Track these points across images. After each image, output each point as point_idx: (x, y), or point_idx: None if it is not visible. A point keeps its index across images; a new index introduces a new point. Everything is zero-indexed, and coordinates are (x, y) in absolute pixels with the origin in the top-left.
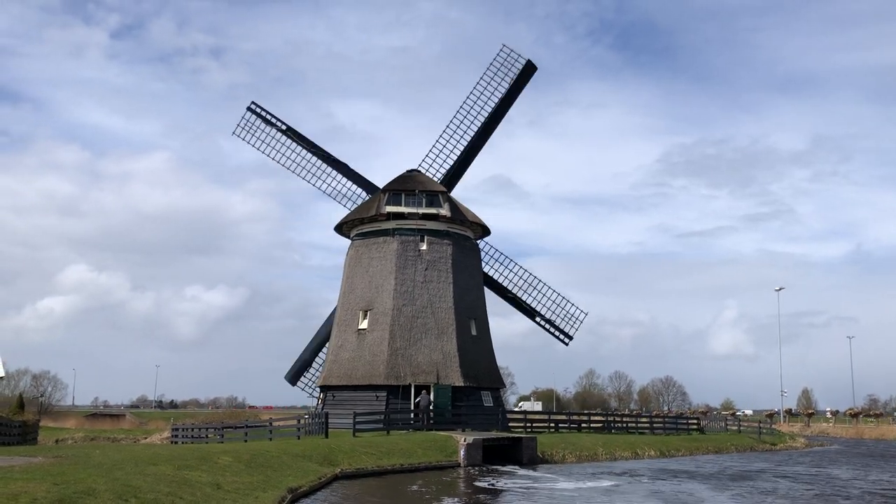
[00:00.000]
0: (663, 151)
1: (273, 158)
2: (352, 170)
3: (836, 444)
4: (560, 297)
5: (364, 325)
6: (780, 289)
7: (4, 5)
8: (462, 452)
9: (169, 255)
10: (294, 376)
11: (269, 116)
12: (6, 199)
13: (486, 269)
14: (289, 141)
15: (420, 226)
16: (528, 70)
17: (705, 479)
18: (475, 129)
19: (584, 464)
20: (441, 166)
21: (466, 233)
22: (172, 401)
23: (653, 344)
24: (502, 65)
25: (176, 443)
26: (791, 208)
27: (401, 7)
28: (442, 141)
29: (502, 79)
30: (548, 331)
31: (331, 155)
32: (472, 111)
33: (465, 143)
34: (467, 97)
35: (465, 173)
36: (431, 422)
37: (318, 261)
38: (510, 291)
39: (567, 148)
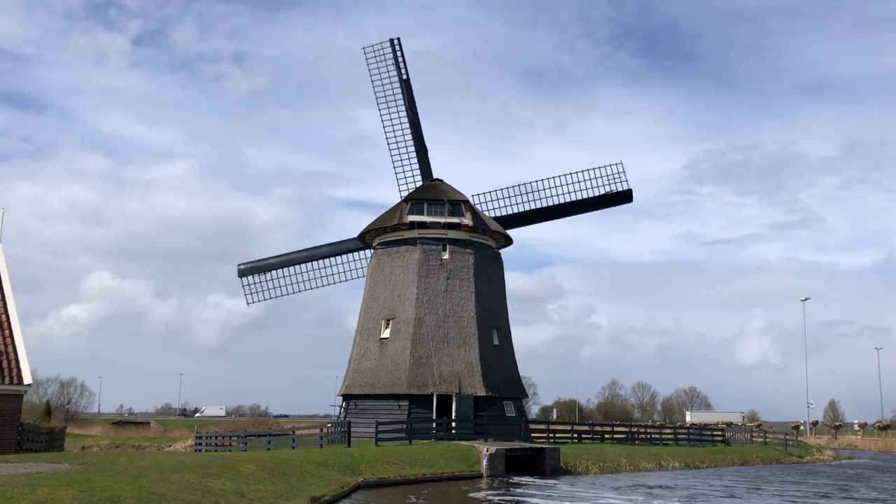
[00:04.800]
0: (690, 158)
1: (284, 295)
2: (341, 242)
3: (864, 457)
4: (585, 172)
5: (386, 333)
6: (805, 299)
7: (30, 12)
8: (484, 462)
9: (192, 262)
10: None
11: (259, 265)
12: (31, 207)
13: (515, 210)
14: (287, 270)
15: (442, 235)
16: (396, 44)
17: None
18: (406, 122)
19: (607, 475)
20: (412, 169)
21: (488, 242)
22: (196, 408)
23: (678, 353)
24: (377, 60)
25: (200, 451)
26: (820, 216)
27: (423, 12)
28: (393, 149)
29: (386, 70)
30: (608, 205)
31: (322, 247)
32: (391, 110)
33: (410, 139)
34: (378, 104)
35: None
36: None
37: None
38: (549, 208)
39: (591, 154)
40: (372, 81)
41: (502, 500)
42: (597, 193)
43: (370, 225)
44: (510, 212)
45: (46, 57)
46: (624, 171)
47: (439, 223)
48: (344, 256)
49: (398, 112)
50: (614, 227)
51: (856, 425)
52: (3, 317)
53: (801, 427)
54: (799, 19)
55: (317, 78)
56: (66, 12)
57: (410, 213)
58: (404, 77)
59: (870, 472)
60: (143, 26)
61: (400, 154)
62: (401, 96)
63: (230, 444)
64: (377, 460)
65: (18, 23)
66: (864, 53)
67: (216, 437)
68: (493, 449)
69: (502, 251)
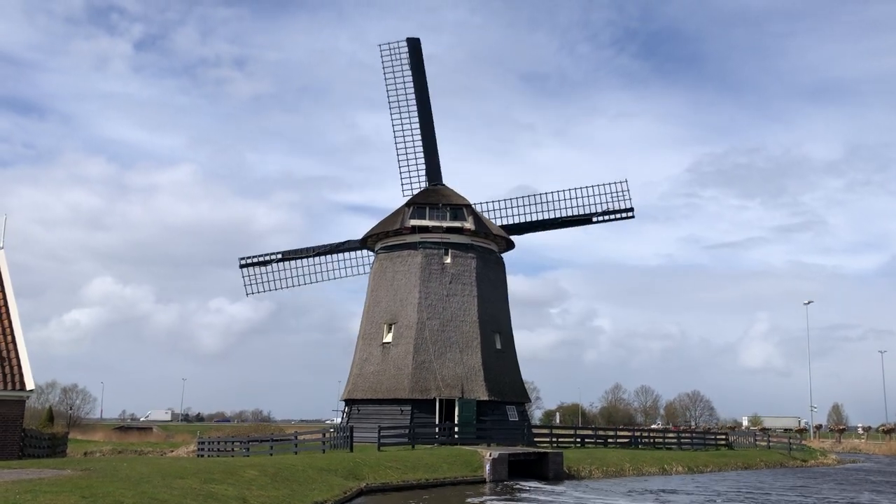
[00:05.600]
0: (692, 161)
1: (284, 288)
2: (342, 243)
3: (868, 461)
4: (590, 188)
5: (388, 338)
6: (808, 302)
7: (31, 17)
8: (487, 467)
9: (195, 267)
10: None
11: (261, 258)
12: (34, 213)
13: (519, 219)
14: (287, 263)
15: (444, 239)
16: (415, 45)
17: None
18: (416, 121)
19: (610, 479)
20: (419, 168)
21: (490, 246)
22: (199, 414)
23: (682, 357)
24: (392, 59)
25: (202, 456)
26: (823, 219)
27: (425, 15)
28: (401, 147)
29: (400, 69)
30: (610, 220)
31: (323, 246)
32: (403, 108)
33: (419, 137)
34: (390, 109)
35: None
36: (456, 436)
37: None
38: (553, 218)
39: (594, 158)
40: (385, 80)
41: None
42: (600, 209)
43: (372, 229)
44: (513, 221)
45: (48, 62)
46: (628, 190)
47: (441, 227)
48: (344, 254)
49: (409, 112)
50: (617, 231)
51: (860, 429)
52: (6, 322)
53: (805, 430)
54: (801, 21)
55: (319, 82)
56: (67, 17)
57: (412, 217)
58: (420, 78)
59: (877, 476)
60: (144, 31)
61: (407, 155)
62: (413, 96)
63: (232, 450)
64: (380, 465)
65: (20, 28)
66: (866, 55)
67: (218, 443)
68: (496, 454)
69: (504, 255)
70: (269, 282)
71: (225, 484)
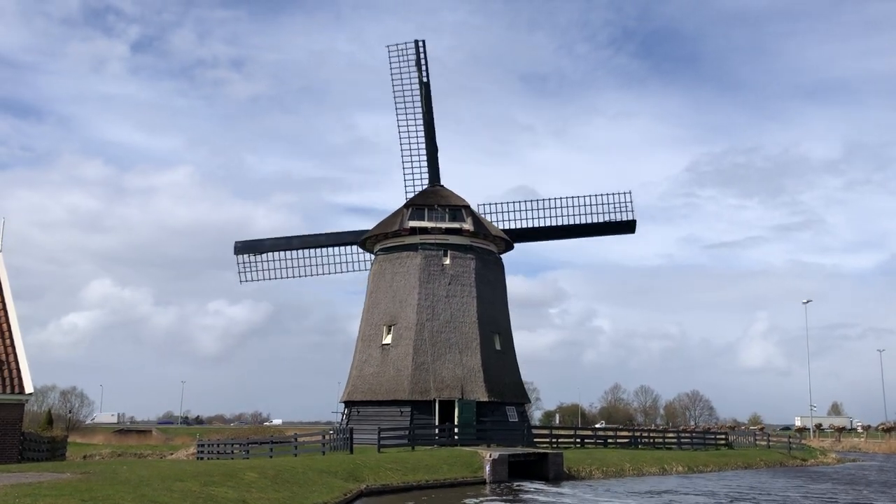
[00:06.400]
0: (691, 161)
1: (282, 278)
2: (340, 234)
3: (868, 459)
4: (593, 197)
5: (388, 340)
6: (807, 301)
7: (28, 19)
8: (487, 468)
9: (193, 269)
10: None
11: (255, 244)
12: (32, 215)
13: (517, 225)
14: (283, 253)
15: (443, 240)
16: (421, 47)
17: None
18: (421, 123)
19: (611, 480)
20: (421, 172)
21: (489, 247)
22: (198, 416)
23: (682, 357)
24: (400, 60)
25: (202, 459)
26: (822, 218)
27: (424, 16)
28: (405, 151)
29: (408, 71)
30: (611, 233)
31: (323, 235)
32: (407, 110)
33: (424, 141)
34: (396, 110)
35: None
36: (456, 437)
37: (341, 275)
38: (556, 227)
39: (593, 158)
40: (392, 81)
41: None
42: (602, 220)
43: (371, 231)
44: (512, 226)
45: (45, 64)
46: (631, 202)
47: (440, 228)
48: (341, 248)
49: (414, 113)
50: None
51: (859, 428)
52: (4, 325)
53: (805, 430)
54: (799, 20)
55: (317, 83)
56: (64, 19)
57: (411, 218)
58: (425, 79)
59: (876, 474)
60: (141, 32)
61: (411, 155)
62: (419, 98)
63: (232, 452)
64: (380, 467)
65: (17, 30)
66: (865, 54)
67: (218, 445)
68: (495, 454)
69: (504, 256)
70: (263, 271)
71: (225, 486)
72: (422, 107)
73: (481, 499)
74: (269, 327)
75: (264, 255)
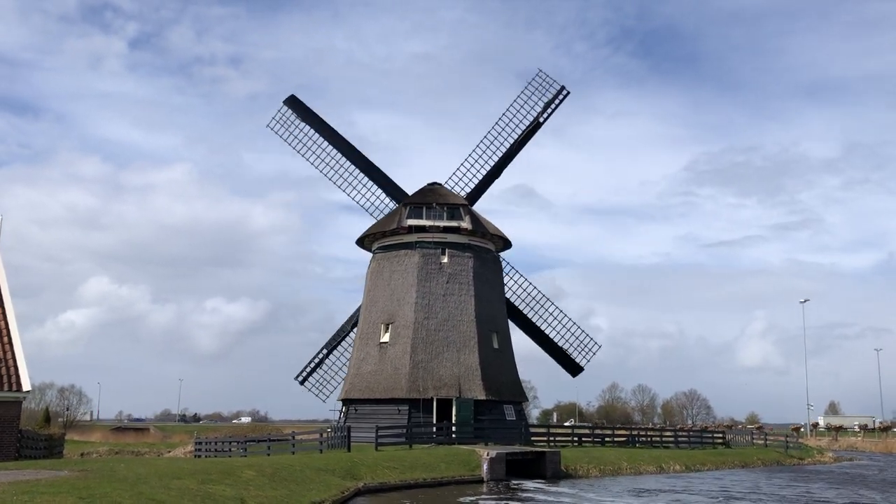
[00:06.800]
0: (690, 160)
1: (305, 157)
2: (385, 176)
3: (864, 458)
4: (575, 325)
5: (386, 338)
6: (804, 301)
7: (26, 16)
8: (485, 467)
9: (191, 267)
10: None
11: (306, 111)
12: (30, 213)
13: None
14: (323, 142)
15: (441, 239)
16: (561, 95)
17: None
18: (505, 148)
19: (608, 478)
20: (469, 182)
21: (487, 245)
22: (196, 414)
23: (680, 356)
24: (537, 88)
25: (199, 456)
26: (820, 217)
27: (421, 14)
28: (472, 158)
29: (535, 102)
30: (557, 359)
31: (366, 158)
32: (504, 131)
33: (494, 162)
34: (500, 117)
35: (489, 188)
36: (454, 436)
37: (339, 273)
38: (522, 313)
39: (591, 157)
40: (517, 97)
41: None
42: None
43: (369, 229)
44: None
45: (43, 61)
46: (594, 354)
47: (438, 227)
48: (373, 186)
49: (507, 135)
50: (614, 230)
51: (856, 426)
52: (2, 323)
53: (802, 429)
54: (798, 20)
55: (315, 81)
56: (61, 16)
57: (409, 217)
58: (541, 120)
59: (872, 472)
60: (139, 29)
61: (473, 164)
62: (522, 127)
63: (230, 450)
64: (377, 465)
65: (14, 27)
66: (863, 53)
67: (216, 443)
68: (493, 453)
69: (501, 254)
70: (296, 137)
71: (223, 484)
72: (518, 137)
73: (479, 497)
74: (266, 325)
75: (304, 127)
